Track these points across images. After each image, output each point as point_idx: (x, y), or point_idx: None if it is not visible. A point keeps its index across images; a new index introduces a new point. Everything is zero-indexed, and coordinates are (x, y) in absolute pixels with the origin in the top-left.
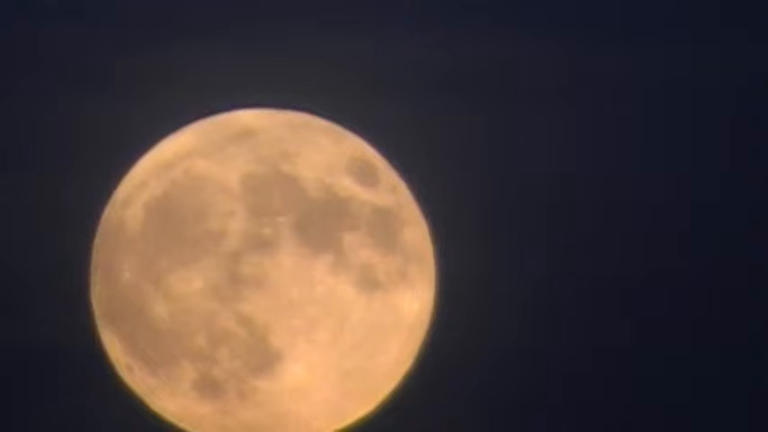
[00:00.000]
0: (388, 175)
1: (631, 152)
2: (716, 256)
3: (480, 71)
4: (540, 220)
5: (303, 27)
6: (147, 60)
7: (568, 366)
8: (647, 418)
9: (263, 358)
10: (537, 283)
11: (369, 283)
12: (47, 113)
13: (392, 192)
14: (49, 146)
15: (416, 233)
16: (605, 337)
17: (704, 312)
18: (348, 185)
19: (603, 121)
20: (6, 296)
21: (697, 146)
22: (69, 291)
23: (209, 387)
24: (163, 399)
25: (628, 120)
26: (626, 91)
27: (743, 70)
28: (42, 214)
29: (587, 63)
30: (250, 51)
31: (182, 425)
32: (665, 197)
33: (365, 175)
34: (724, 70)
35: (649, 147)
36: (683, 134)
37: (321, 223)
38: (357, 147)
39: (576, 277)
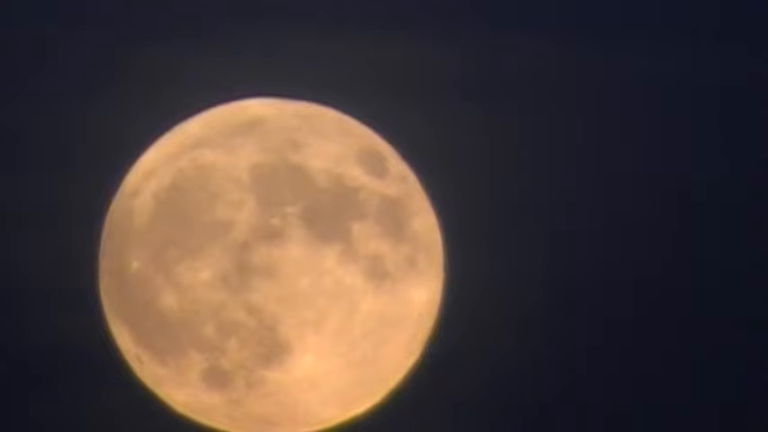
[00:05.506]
0: (397, 165)
1: (632, 152)
2: (716, 256)
3: (486, 67)
4: (547, 211)
5: (308, 23)
6: (150, 55)
7: (571, 362)
8: (646, 418)
9: (272, 348)
10: (543, 274)
11: (377, 273)
12: (50, 112)
13: (401, 182)
14: (53, 143)
15: (425, 223)
16: (606, 334)
17: (705, 312)
18: (357, 175)
19: (605, 121)
20: (15, 289)
21: (697, 146)
22: (78, 282)
23: (217, 377)
24: (172, 389)
25: (629, 120)
26: (627, 91)
27: (742, 71)
28: (49, 209)
29: (589, 63)
30: (256, 47)
31: (191, 415)
32: (666, 197)
33: (374, 165)
34: (724, 70)
35: (651, 147)
36: (685, 134)
37: (330, 213)
38: (366, 137)
39: (581, 272)
